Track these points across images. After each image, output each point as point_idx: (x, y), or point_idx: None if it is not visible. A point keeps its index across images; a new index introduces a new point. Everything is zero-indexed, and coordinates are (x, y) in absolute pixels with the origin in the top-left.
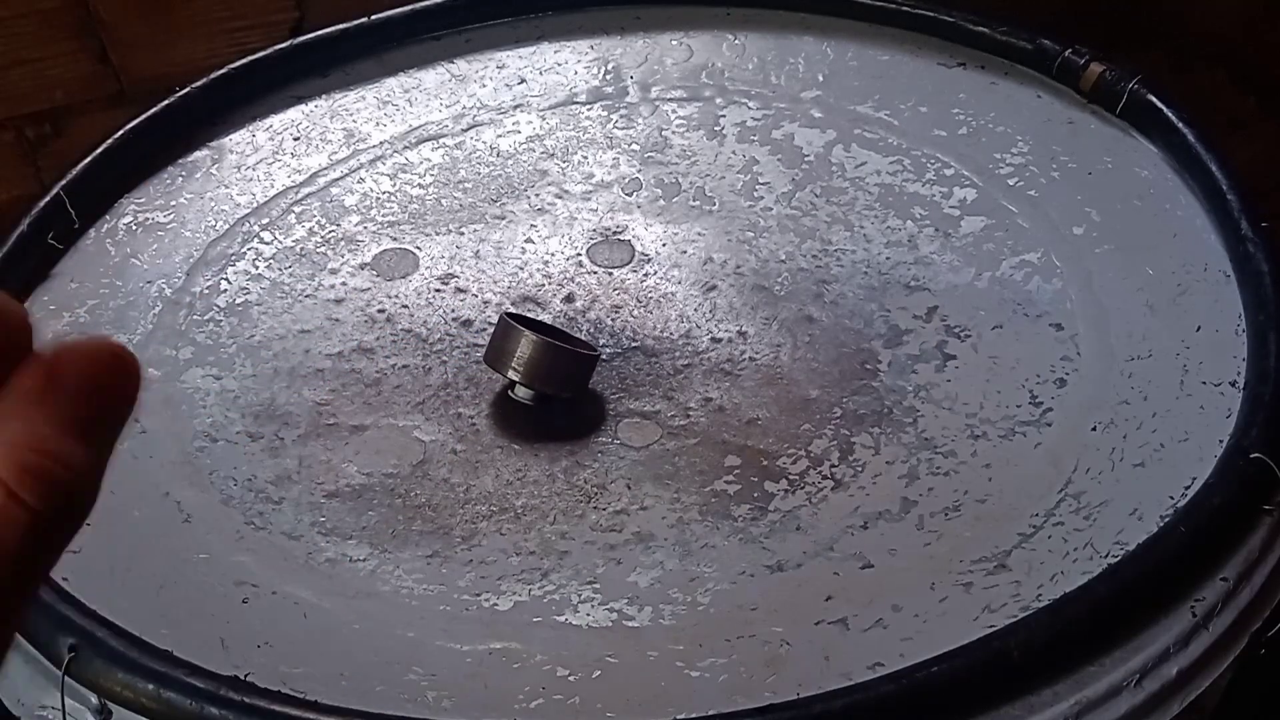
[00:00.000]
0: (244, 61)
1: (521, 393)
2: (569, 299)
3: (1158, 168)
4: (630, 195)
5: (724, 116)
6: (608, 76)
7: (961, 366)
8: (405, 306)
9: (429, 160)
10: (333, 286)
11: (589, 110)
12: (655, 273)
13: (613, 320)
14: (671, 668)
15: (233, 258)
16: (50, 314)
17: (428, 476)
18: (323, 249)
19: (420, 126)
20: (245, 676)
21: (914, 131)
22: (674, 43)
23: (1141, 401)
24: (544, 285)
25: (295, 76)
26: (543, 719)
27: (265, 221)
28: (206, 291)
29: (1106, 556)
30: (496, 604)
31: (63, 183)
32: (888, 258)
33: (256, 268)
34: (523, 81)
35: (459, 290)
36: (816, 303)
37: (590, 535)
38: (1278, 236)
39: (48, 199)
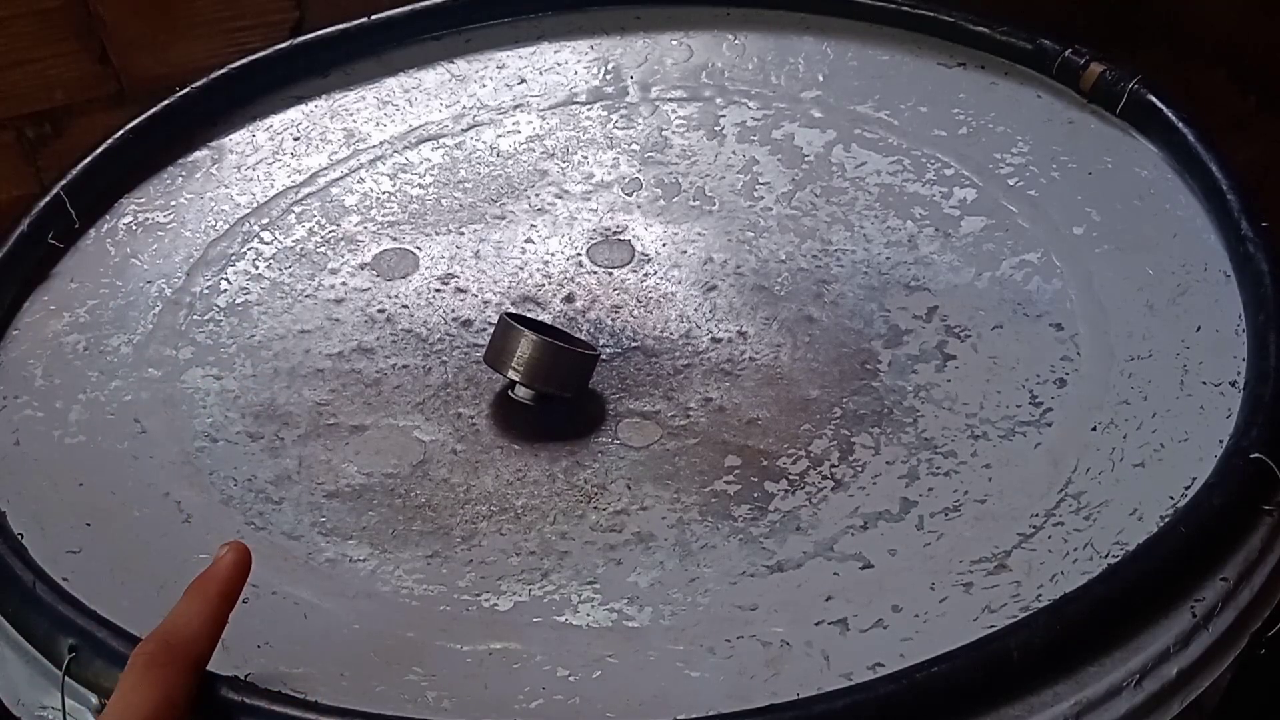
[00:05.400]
0: (244, 61)
1: (521, 393)
2: (569, 299)
3: (1158, 168)
4: (630, 195)
5: (724, 116)
6: (608, 76)
7: (961, 366)
8: (405, 306)
9: (429, 160)
10: (333, 286)
11: (589, 110)
12: (655, 273)
13: (613, 320)
14: (671, 668)
15: (233, 258)
16: (50, 314)
17: (428, 476)
18: (323, 249)
19: (420, 126)
20: (245, 676)
21: (914, 131)
22: (674, 43)
23: (1141, 401)
24: (544, 285)
25: (295, 76)
26: (543, 719)
27: (265, 221)
28: (206, 291)
29: (1106, 556)
30: (496, 604)
31: (63, 183)
32: (888, 258)
33: (256, 268)
34: (523, 81)
35: (459, 290)
36: (816, 303)
37: (590, 535)
38: (1278, 236)
39: (48, 199)
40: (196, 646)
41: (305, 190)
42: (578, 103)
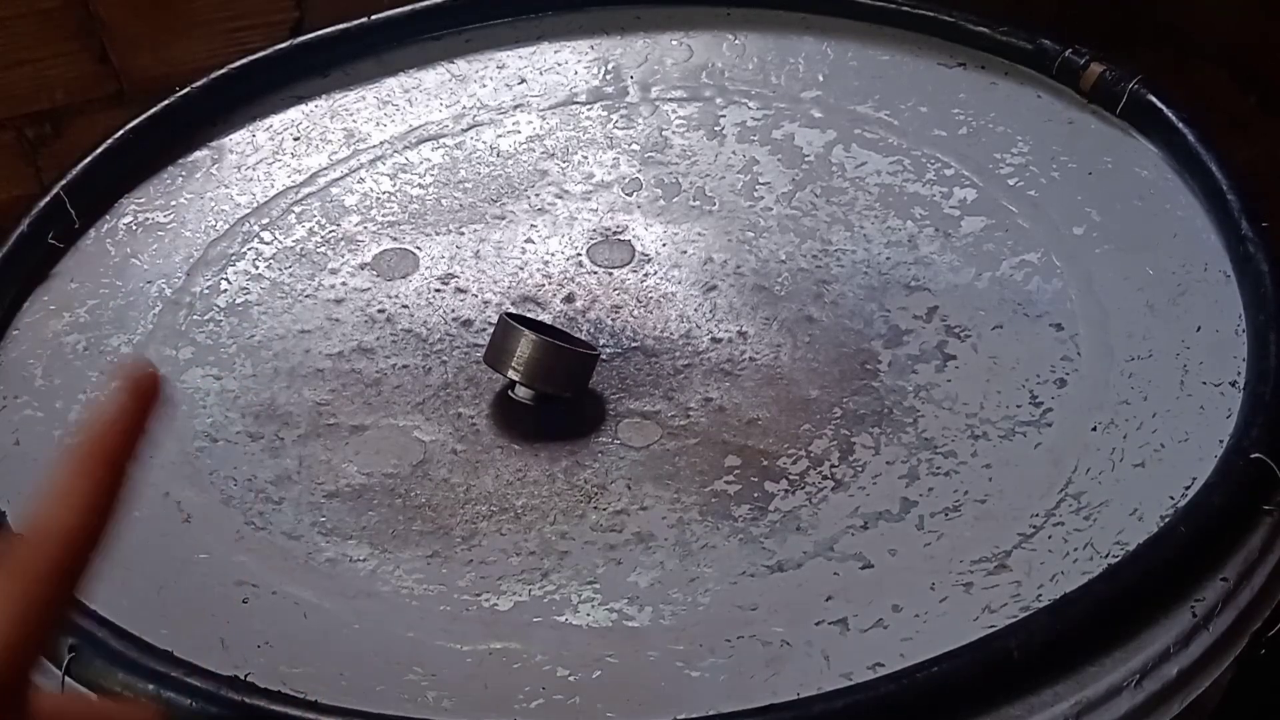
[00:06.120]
0: (244, 61)
1: (521, 393)
2: (569, 299)
3: (1158, 168)
4: (630, 195)
5: (724, 116)
6: (608, 76)
7: (961, 366)
8: (405, 306)
9: (429, 160)
10: (333, 286)
11: (589, 110)
12: (655, 273)
13: (613, 320)
14: (671, 668)
15: (233, 258)
16: (50, 314)
17: (428, 476)
18: (323, 249)
19: (420, 126)
20: (245, 676)
21: (914, 131)
22: (674, 43)
23: (1141, 401)
24: (544, 285)
25: (295, 76)
26: (543, 719)
27: (265, 221)
28: (206, 291)
29: (1107, 556)
30: (496, 604)
31: (63, 183)
32: (888, 258)
33: (256, 268)
34: (523, 81)
35: (459, 290)
36: (816, 303)
37: (590, 535)
38: (1278, 236)
39: (48, 199)
40: (73, 542)
41: (305, 190)
42: (578, 103)
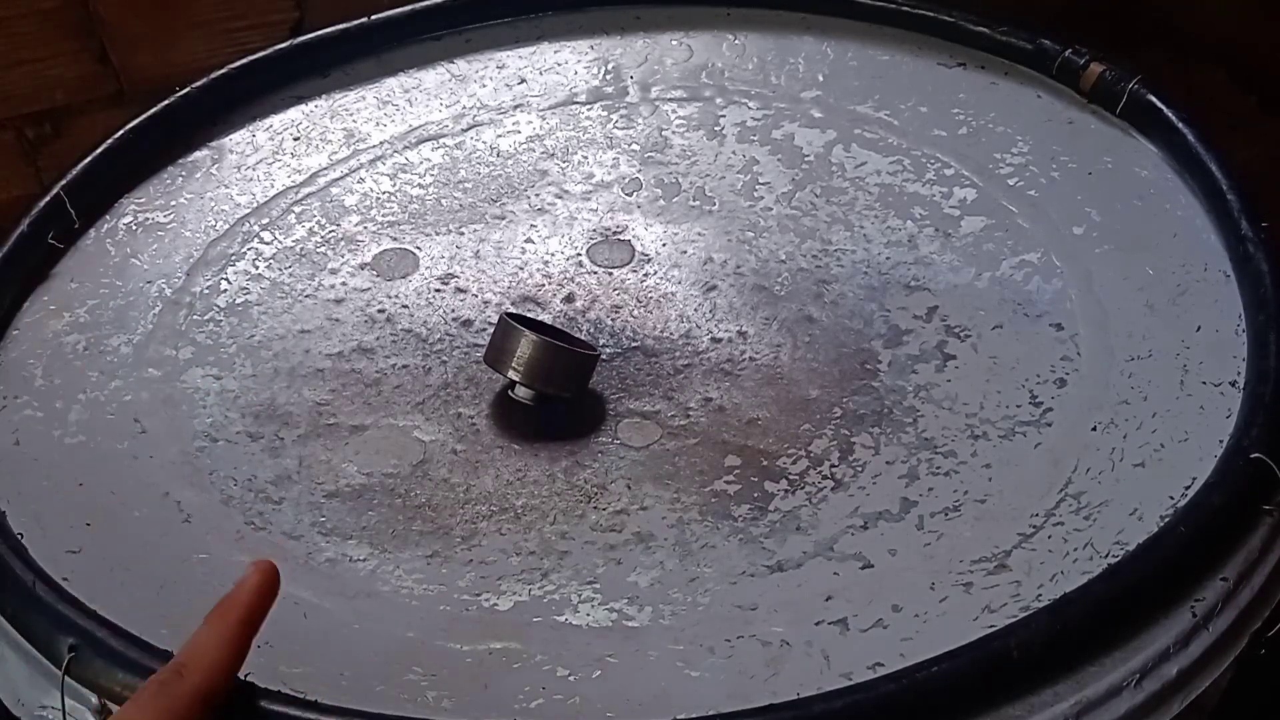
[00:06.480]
0: (244, 61)
1: (521, 393)
2: (569, 299)
3: (1158, 168)
4: (630, 195)
5: (724, 116)
6: (608, 76)
7: (961, 366)
8: (405, 306)
9: (429, 160)
10: (333, 286)
11: (589, 110)
12: (655, 273)
13: (613, 320)
14: (671, 668)
15: (233, 258)
16: (50, 314)
17: (428, 476)
18: (323, 249)
19: (420, 126)
20: (245, 676)
21: (914, 131)
22: (674, 43)
23: (1141, 401)
24: (544, 285)
25: (295, 76)
26: (543, 719)
27: (265, 221)
28: (206, 291)
29: (1106, 556)
30: (496, 604)
31: (63, 183)
32: (888, 258)
33: (256, 268)
34: (523, 81)
35: (459, 290)
36: (816, 303)
37: (590, 535)
38: (1278, 236)
39: (48, 199)
40: (210, 677)
41: (305, 190)
42: (578, 103)
